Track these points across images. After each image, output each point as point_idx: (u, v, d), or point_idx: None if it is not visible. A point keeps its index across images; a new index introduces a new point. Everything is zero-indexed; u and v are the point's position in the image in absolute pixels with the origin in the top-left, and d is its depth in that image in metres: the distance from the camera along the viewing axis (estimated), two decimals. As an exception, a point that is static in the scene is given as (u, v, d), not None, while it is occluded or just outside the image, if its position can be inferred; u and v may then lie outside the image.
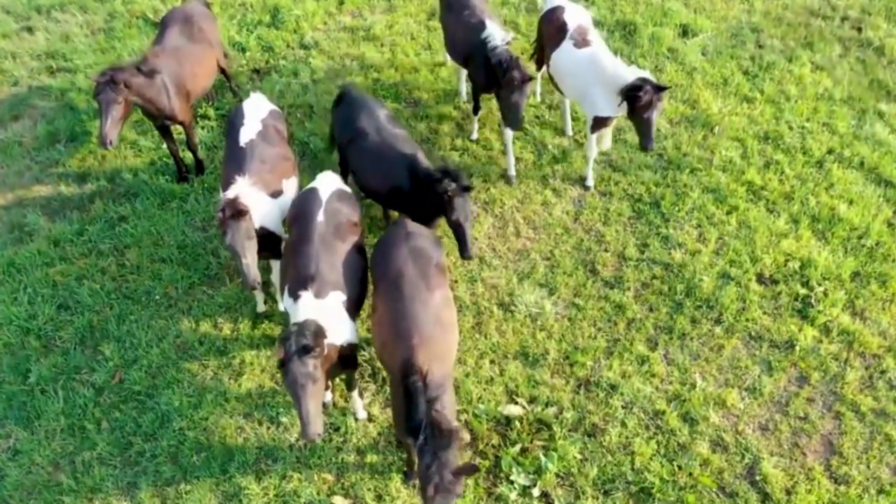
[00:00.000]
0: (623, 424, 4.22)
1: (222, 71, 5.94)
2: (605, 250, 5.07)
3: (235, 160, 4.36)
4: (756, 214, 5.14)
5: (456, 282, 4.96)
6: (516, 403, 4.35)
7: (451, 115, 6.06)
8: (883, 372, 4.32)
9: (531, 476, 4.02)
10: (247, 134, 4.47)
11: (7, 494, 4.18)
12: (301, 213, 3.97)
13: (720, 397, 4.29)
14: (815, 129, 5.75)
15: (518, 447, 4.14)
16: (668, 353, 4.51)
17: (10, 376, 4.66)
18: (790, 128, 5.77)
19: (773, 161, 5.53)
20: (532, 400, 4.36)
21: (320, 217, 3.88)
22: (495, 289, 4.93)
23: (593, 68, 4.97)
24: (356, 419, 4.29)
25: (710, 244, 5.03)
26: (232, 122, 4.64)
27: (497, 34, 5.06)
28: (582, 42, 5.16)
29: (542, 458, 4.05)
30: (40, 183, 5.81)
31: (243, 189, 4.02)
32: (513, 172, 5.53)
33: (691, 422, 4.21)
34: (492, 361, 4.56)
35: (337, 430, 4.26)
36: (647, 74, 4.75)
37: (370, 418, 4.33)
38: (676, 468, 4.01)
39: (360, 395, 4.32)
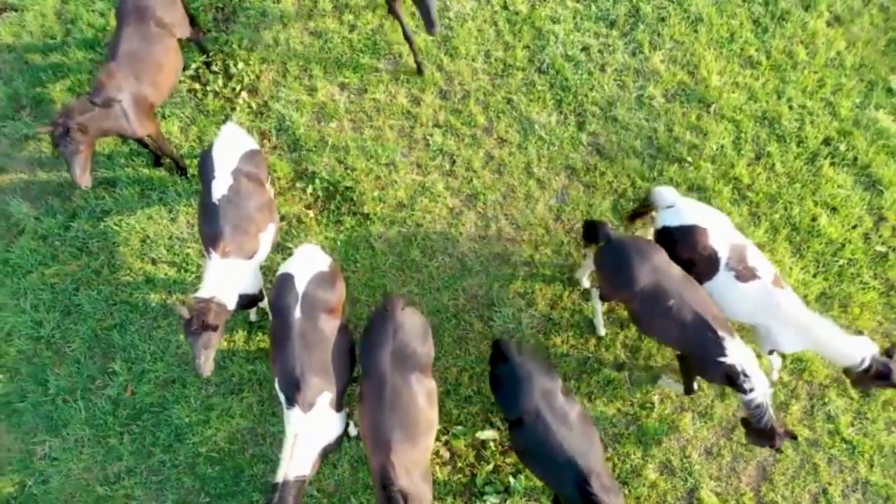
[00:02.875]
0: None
1: (189, 40, 5.42)
2: (584, 256, 5.18)
3: (209, 221, 4.30)
4: (737, 221, 5.14)
5: (438, 290, 5.16)
6: (492, 426, 4.85)
7: (434, 81, 5.66)
8: (824, 404, 4.75)
9: (501, 494, 4.68)
10: (219, 189, 4.33)
11: (53, 498, 4.89)
12: (278, 307, 4.05)
13: (674, 421, 4.78)
14: (816, 108, 5.43)
15: (491, 465, 4.74)
16: (631, 376, 4.90)
17: (31, 385, 5.10)
18: (790, 107, 5.45)
19: (766, 152, 5.34)
20: (506, 419, 4.86)
21: (297, 313, 3.98)
22: (475, 298, 5.15)
23: (774, 311, 4.14)
24: (349, 437, 4.83)
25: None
26: (203, 171, 4.45)
27: None
28: (746, 273, 4.16)
29: (511, 480, 4.68)
30: (14, 161, 5.65)
31: (216, 285, 4.09)
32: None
33: (645, 445, 4.75)
34: (470, 377, 4.96)
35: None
36: (865, 343, 4.15)
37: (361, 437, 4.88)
38: (628, 491, 4.64)
39: (350, 415, 4.80)
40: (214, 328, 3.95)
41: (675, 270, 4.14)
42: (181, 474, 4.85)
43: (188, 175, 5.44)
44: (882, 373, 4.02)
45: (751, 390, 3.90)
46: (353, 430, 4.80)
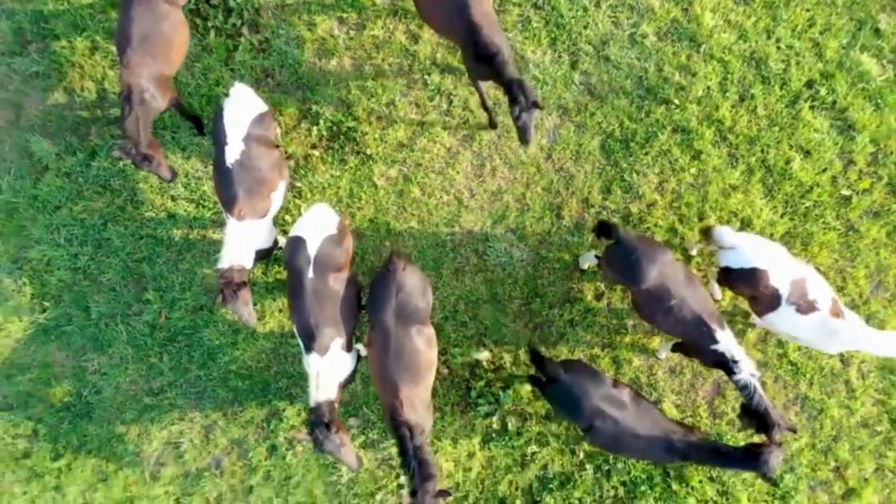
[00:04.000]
0: (563, 339, 5.48)
1: None
2: (572, 194, 5.57)
3: (224, 185, 4.68)
4: (716, 163, 5.48)
5: (437, 225, 5.62)
6: (485, 346, 5.53)
7: (432, 15, 5.71)
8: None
9: (492, 404, 5.46)
10: (232, 155, 4.65)
11: (107, 406, 5.69)
12: (292, 268, 4.53)
13: (644, 345, 5.45)
14: (803, 49, 5.55)
15: (483, 381, 5.48)
16: (610, 304, 5.50)
17: (75, 311, 5.73)
18: (778, 48, 5.56)
19: (750, 94, 5.55)
20: (497, 342, 5.53)
21: (310, 274, 4.48)
22: (471, 233, 5.63)
23: (832, 338, 4.55)
24: (360, 359, 5.51)
25: (667, 196, 5.52)
26: (216, 136, 4.73)
27: None
28: (807, 306, 4.52)
29: (501, 393, 5.44)
30: (28, 98, 5.87)
31: (239, 242, 4.57)
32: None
33: (618, 365, 5.45)
34: (466, 304, 5.57)
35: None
36: None
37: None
38: (599, 404, 5.41)
39: (359, 339, 5.46)
40: (243, 285, 4.51)
41: (680, 273, 4.59)
42: (216, 387, 5.62)
43: (204, 130, 5.71)
44: None
45: (738, 372, 4.46)
46: (363, 352, 5.49)
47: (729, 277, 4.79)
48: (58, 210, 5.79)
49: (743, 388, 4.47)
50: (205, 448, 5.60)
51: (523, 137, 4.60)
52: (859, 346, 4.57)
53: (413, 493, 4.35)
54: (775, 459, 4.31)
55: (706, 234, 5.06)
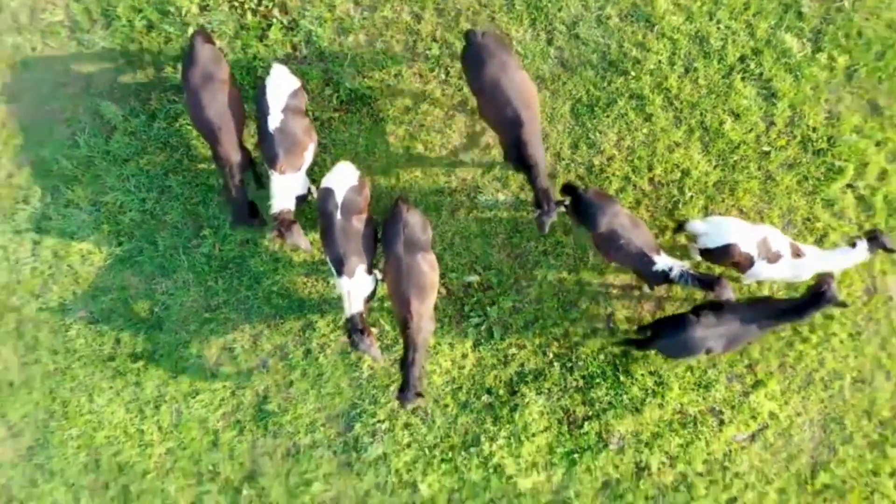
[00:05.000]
0: (539, 286, 6.88)
1: None
2: (547, 149, 6.84)
3: (267, 147, 5.99)
4: (664, 124, 6.74)
5: (437, 175, 6.92)
6: (475, 271, 6.92)
7: (435, 2, 6.85)
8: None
9: (481, 317, 6.89)
10: (273, 122, 5.92)
11: (174, 320, 7.12)
12: (323, 211, 5.89)
13: (602, 271, 6.83)
14: (738, 29, 6.73)
15: (475, 298, 6.90)
16: (575, 239, 6.85)
17: (145, 244, 7.09)
18: (718, 28, 6.74)
19: (693, 67, 6.75)
20: (485, 268, 6.91)
21: (338, 216, 5.83)
22: (464, 181, 6.93)
23: (800, 273, 5.90)
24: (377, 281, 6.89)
25: (623, 151, 6.80)
26: (260, 108, 5.98)
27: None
28: (774, 257, 5.82)
29: (489, 308, 6.86)
30: (97, 69, 7.06)
31: (284, 191, 5.89)
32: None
33: (580, 285, 6.85)
34: (460, 238, 6.93)
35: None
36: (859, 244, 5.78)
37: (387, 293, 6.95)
38: (570, 320, 6.83)
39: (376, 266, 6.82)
40: (293, 223, 5.90)
41: (626, 219, 5.95)
42: (261, 304, 7.04)
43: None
44: (884, 245, 5.79)
45: (673, 273, 5.91)
46: (379, 276, 6.86)
47: (709, 256, 6.11)
48: (126, 162, 7.08)
49: (681, 278, 5.91)
50: (253, 352, 7.08)
51: (540, 230, 6.00)
52: (822, 269, 5.92)
53: (401, 391, 5.83)
54: (833, 289, 5.73)
55: (680, 227, 6.43)
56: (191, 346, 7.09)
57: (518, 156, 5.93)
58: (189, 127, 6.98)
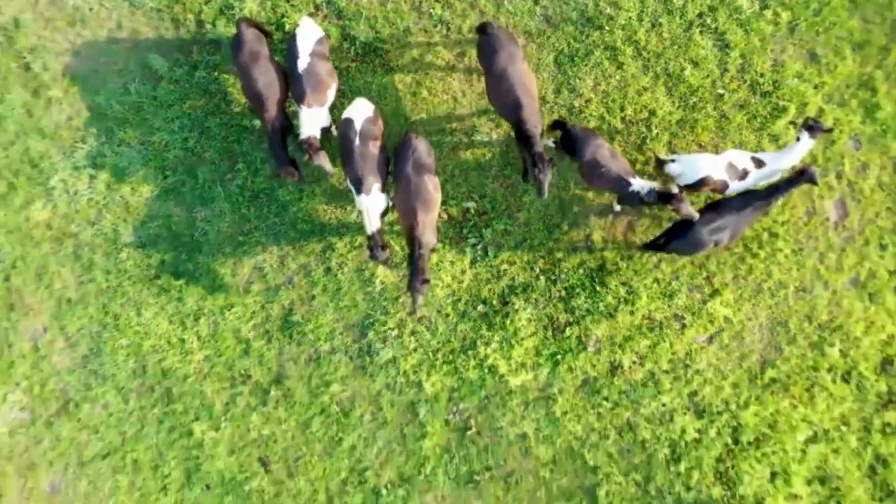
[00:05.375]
0: (528, 212, 7.98)
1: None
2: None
3: (297, 86, 7.10)
4: (634, 72, 7.87)
5: (439, 117, 8.04)
6: (472, 199, 8.03)
7: (435, -36, 8.00)
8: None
9: (477, 238, 7.99)
10: (301, 64, 7.04)
11: (211, 243, 8.22)
12: (344, 138, 7.00)
13: (581, 198, 7.94)
14: (698, -11, 7.90)
15: (472, 222, 8.00)
16: (559, 169, 7.96)
17: (186, 178, 8.20)
18: (681, -12, 7.90)
19: (659, 23, 7.89)
20: (481, 196, 8.02)
21: (357, 142, 6.93)
22: (463, 121, 8.04)
23: (767, 176, 6.92)
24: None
25: (599, 94, 7.93)
26: (290, 54, 7.10)
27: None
28: (743, 174, 6.90)
29: (483, 230, 7.97)
30: (145, 25, 8.19)
31: (312, 122, 7.00)
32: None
33: (563, 209, 7.95)
34: (460, 171, 8.04)
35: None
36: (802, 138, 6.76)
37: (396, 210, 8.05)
38: (554, 240, 7.94)
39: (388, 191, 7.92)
40: (320, 148, 6.99)
41: (606, 150, 7.06)
42: (288, 229, 8.14)
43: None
44: (821, 128, 6.71)
45: (646, 194, 6.94)
46: (389, 203, 7.96)
47: (690, 189, 7.20)
48: (171, 107, 8.20)
49: (649, 195, 6.95)
50: (280, 270, 8.18)
51: (540, 193, 6.95)
52: (783, 166, 6.90)
53: (410, 282, 6.93)
54: (812, 169, 6.70)
55: (661, 166, 7.55)
56: (226, 266, 8.19)
57: (519, 132, 7.09)
58: (226, 76, 8.11)
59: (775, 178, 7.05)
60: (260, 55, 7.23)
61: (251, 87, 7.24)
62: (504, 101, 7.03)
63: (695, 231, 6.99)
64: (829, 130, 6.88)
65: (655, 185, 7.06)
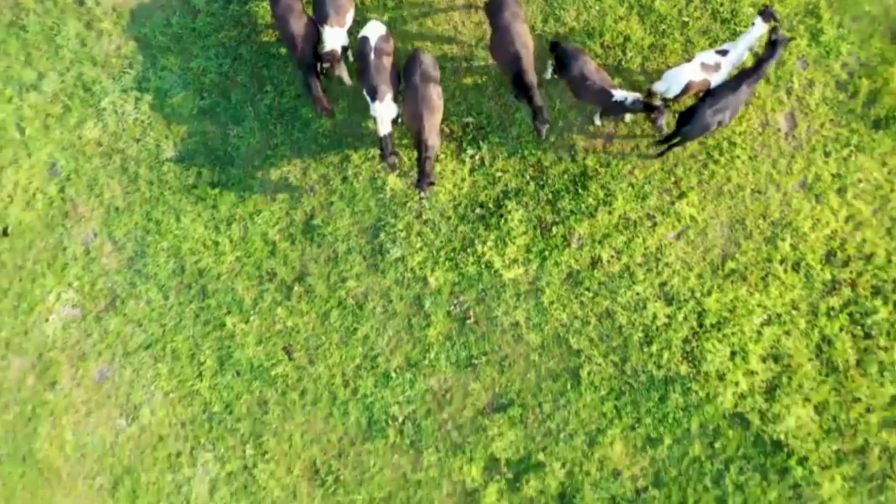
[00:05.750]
0: (519, 126, 9.15)
1: None
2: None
3: (320, 8, 8.30)
4: (611, 2, 9.06)
5: (443, 43, 9.21)
6: (470, 115, 9.20)
7: (438, -89, 9.18)
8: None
9: (474, 150, 9.16)
10: (324, -6, 8.27)
11: (243, 157, 9.37)
12: (361, 53, 8.22)
13: (566, 114, 9.10)
14: (666, -67, 9.07)
15: (470, 136, 9.17)
16: (546, 89, 9.13)
17: (220, 99, 9.38)
18: (651, -69, 9.08)
19: (633, -37, 9.11)
20: (478, 113, 9.19)
21: (372, 56, 8.12)
22: (463, 48, 9.22)
23: (740, 57, 8.20)
24: (400, 117, 9.13)
25: (581, 23, 9.11)
26: None
27: None
28: (717, 66, 8.12)
29: (480, 142, 9.13)
30: (187, -33, 9.41)
31: (336, 36, 8.18)
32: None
33: (551, 124, 9.10)
34: (460, 92, 9.22)
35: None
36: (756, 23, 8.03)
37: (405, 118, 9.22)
38: (542, 150, 9.10)
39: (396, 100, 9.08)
40: (339, 60, 8.19)
41: (592, 66, 8.25)
42: (310, 143, 9.31)
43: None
44: (772, 16, 7.97)
45: (628, 102, 8.14)
46: (399, 111, 9.06)
47: (678, 99, 8.39)
48: (207, 37, 9.38)
49: (633, 104, 8.14)
50: (303, 179, 9.34)
51: (539, 136, 8.37)
52: (745, 48, 8.13)
53: (418, 182, 8.11)
54: (781, 33, 7.94)
55: (650, 94, 8.71)
56: (255, 176, 9.36)
57: (518, 82, 8.30)
58: (256, 8, 9.29)
59: (743, 59, 8.31)
60: (293, 8, 8.50)
61: (286, 32, 8.51)
62: (505, 53, 8.24)
63: (699, 115, 8.13)
64: (777, 20, 8.11)
65: (638, 95, 8.22)
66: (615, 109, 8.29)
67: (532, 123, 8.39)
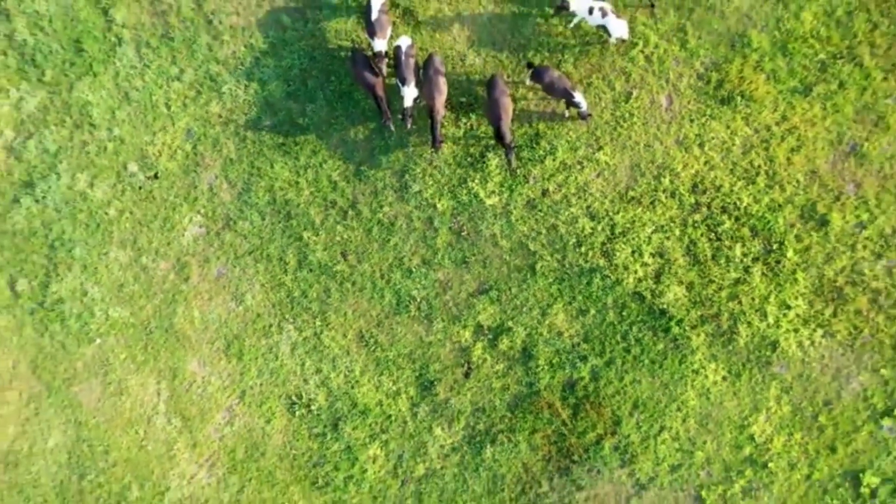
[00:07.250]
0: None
1: None
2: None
3: (371, 27, 13.15)
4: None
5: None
6: (464, 97, 14.03)
7: (444, -36, 14.06)
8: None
9: (466, 119, 14.00)
10: (374, 15, 13.08)
11: (318, 123, 14.22)
12: (395, 56, 13.15)
13: (553, 109, 13.93)
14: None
15: (464, 110, 14.00)
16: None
17: (301, 86, 14.23)
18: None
19: (570, -3, 13.91)
20: (469, 94, 14.01)
21: (403, 57, 13.03)
22: (456, 49, 14.04)
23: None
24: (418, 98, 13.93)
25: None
26: (367, 9, 13.13)
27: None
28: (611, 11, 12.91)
29: (470, 114, 13.97)
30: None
31: (380, 44, 13.07)
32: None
33: (532, 119, 13.92)
34: (458, 83, 14.02)
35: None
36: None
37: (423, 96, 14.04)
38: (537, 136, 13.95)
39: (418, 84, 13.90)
40: (385, 58, 13.14)
41: (557, 74, 13.10)
42: (360, 116, 14.14)
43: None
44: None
45: (580, 104, 13.06)
46: (417, 93, 13.86)
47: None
48: (292, 44, 14.27)
49: (578, 104, 13.02)
50: (354, 140, 14.17)
51: (510, 171, 13.36)
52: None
53: (432, 141, 13.03)
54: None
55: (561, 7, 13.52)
56: (322, 138, 14.22)
57: (498, 133, 13.10)
58: (325, 26, 14.13)
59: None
60: (368, 65, 13.34)
61: (360, 76, 13.36)
62: (492, 115, 13.09)
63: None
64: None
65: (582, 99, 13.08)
66: (577, 104, 13.15)
67: (505, 159, 13.44)
